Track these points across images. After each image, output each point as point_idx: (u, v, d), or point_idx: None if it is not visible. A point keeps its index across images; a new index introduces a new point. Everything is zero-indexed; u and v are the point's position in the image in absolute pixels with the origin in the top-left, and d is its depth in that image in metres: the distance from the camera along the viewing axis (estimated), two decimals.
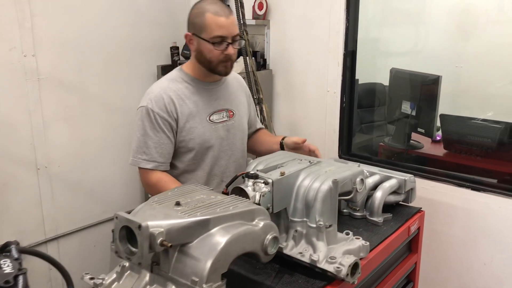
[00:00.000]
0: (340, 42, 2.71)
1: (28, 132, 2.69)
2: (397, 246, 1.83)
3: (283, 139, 2.09)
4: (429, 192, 2.52)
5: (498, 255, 2.37)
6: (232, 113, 2.05)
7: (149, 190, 1.95)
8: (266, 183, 1.52)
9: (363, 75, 3.85)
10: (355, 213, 1.92)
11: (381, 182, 1.97)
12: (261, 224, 1.34)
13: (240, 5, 2.70)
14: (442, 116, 2.73)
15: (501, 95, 3.28)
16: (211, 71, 1.92)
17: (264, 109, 2.84)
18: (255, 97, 2.79)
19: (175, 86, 1.92)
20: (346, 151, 2.89)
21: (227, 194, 1.61)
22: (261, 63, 3.08)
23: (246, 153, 2.17)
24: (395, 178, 1.97)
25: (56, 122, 2.83)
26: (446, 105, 2.96)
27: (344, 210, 1.94)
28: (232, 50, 1.87)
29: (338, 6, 2.66)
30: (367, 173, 2.01)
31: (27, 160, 2.71)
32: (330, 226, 1.58)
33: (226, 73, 1.94)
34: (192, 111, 1.92)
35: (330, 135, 2.87)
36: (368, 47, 3.98)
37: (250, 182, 1.52)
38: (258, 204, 1.48)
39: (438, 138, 2.95)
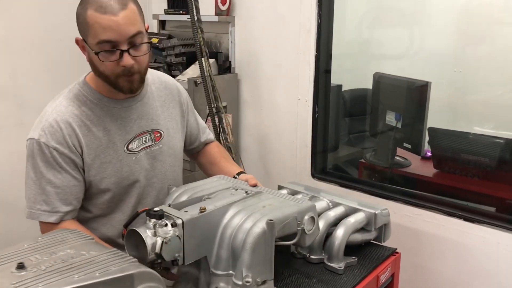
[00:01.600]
0: (311, 42, 2.31)
1: None
2: None
3: (238, 173, 1.62)
4: (415, 221, 2.13)
5: None
6: (159, 134, 1.56)
7: None
8: (174, 224, 1.12)
9: (352, 80, 3.49)
10: (310, 256, 1.51)
11: (346, 216, 1.56)
12: None
13: None
14: (431, 130, 2.32)
15: (502, 103, 2.87)
16: (114, 88, 1.40)
17: (224, 119, 2.44)
18: (212, 105, 2.39)
19: (76, 108, 1.41)
20: (321, 169, 2.48)
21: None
22: (226, 66, 2.68)
23: (181, 181, 1.71)
24: (363, 211, 1.56)
25: None
26: (440, 115, 2.56)
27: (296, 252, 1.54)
28: (128, 60, 1.32)
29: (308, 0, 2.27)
30: (330, 204, 1.62)
31: None
32: (263, 282, 1.18)
33: (131, 89, 1.40)
34: (102, 142, 1.44)
35: (302, 150, 2.47)
36: (358, 49, 3.62)
37: (151, 224, 1.12)
38: (159, 255, 1.08)
39: (428, 154, 2.54)
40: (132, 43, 1.32)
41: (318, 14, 2.26)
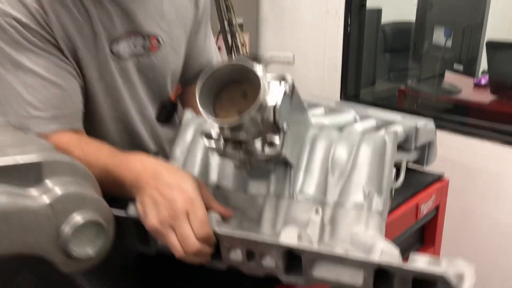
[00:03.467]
0: None
1: None
2: (395, 236, 1.09)
3: None
4: (465, 154, 1.76)
5: None
6: (156, 41, 1.05)
7: None
8: (284, 79, 0.74)
9: (394, 13, 3.07)
10: None
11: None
12: (55, 192, 0.63)
13: None
14: (489, 44, 1.89)
15: None
16: None
17: (238, 37, 2.09)
18: (224, 17, 2.04)
19: None
20: (352, 95, 2.11)
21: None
22: None
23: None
24: (400, 124, 1.19)
25: None
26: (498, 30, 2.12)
27: None
28: None
29: None
30: (357, 117, 1.25)
31: None
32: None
33: None
34: (83, 28, 0.94)
35: (331, 72, 2.11)
36: None
37: (258, 67, 0.71)
38: (274, 109, 0.71)
39: (483, 81, 2.12)
40: None
41: None
